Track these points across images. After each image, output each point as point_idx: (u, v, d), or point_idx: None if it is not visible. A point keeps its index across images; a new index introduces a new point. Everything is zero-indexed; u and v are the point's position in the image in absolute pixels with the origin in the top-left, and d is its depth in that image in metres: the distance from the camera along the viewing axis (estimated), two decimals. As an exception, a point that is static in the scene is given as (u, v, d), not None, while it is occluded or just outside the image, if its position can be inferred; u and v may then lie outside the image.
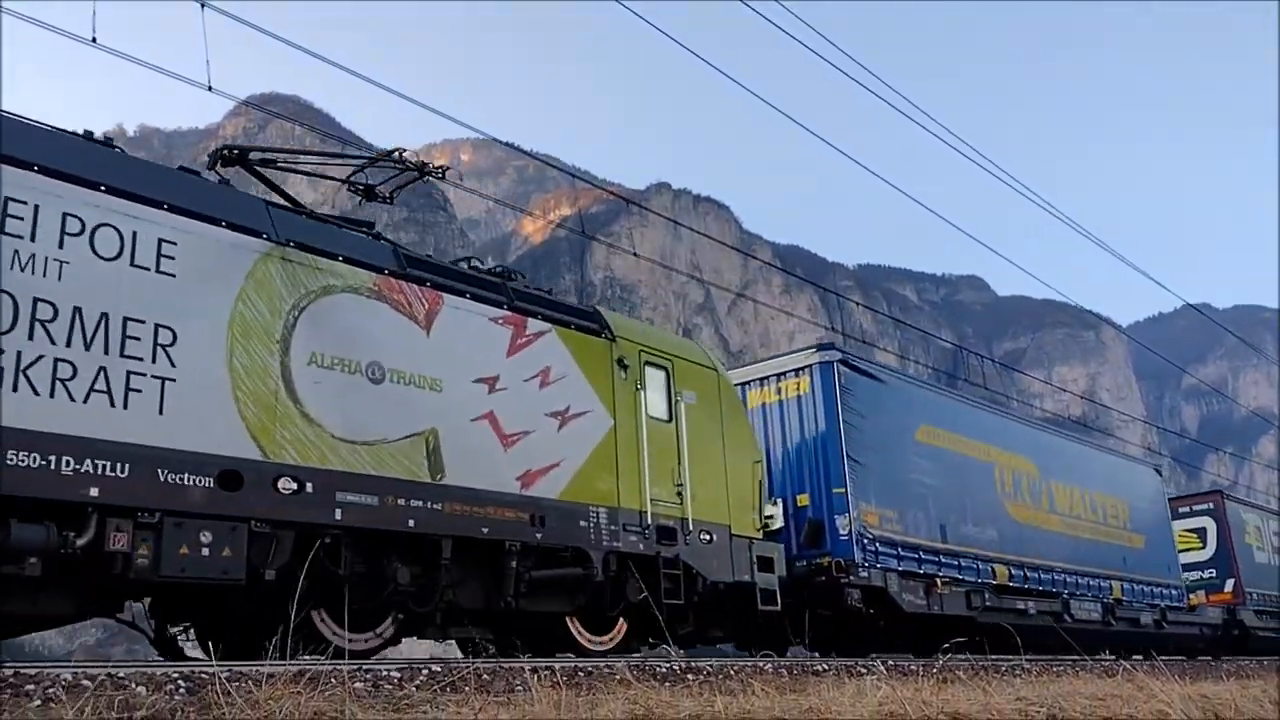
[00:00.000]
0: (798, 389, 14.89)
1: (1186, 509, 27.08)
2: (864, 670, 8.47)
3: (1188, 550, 26.13)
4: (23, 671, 4.85)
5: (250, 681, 5.02)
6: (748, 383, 15.61)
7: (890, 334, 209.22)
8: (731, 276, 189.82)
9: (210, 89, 9.84)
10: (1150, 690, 7.23)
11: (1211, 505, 27.12)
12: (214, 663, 4.87)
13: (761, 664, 8.77)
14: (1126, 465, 24.26)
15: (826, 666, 9.01)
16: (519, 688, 6.07)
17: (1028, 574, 17.49)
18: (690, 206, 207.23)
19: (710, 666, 8.02)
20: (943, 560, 15.53)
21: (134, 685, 4.85)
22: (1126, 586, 20.49)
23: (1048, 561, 18.04)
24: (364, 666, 6.11)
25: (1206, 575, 25.83)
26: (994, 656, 11.47)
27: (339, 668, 5.58)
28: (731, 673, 7.73)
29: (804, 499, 14.40)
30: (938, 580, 15.11)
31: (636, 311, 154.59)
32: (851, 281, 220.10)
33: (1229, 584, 25.64)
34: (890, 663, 9.89)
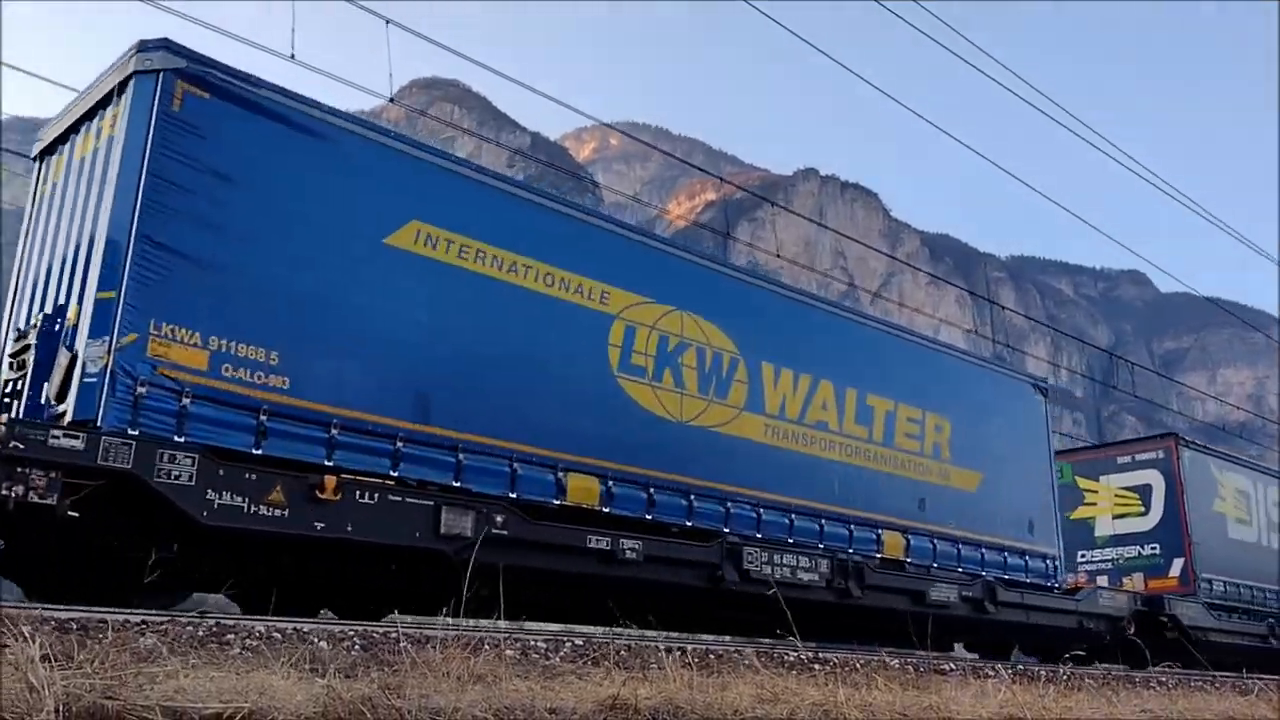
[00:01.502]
0: (111, 131, 8.68)
1: (1127, 458, 20.52)
2: (990, 672, 8.58)
3: (1124, 515, 20.10)
4: (224, 622, 5.52)
5: (412, 643, 5.58)
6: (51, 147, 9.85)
7: (1043, 328, 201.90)
8: (877, 265, 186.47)
9: (389, 22, 10.28)
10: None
11: (1160, 454, 19.94)
12: (396, 624, 5.43)
13: (887, 659, 8.96)
14: (964, 370, 16.29)
15: (953, 666, 9.14)
16: (653, 665, 6.47)
17: (656, 495, 11.05)
18: (837, 193, 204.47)
19: (835, 658, 8.28)
20: (410, 452, 9.27)
21: (316, 640, 5.46)
22: (917, 543, 13.80)
23: (709, 483, 11.64)
24: (513, 635, 6.63)
25: (1147, 552, 19.62)
26: (1109, 665, 11.30)
27: (494, 635, 6.10)
28: (856, 666, 7.96)
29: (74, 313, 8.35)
30: (344, 477, 8.65)
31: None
32: (1003, 273, 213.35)
33: (1176, 565, 19.14)
34: (1020, 667, 9.95)
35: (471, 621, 6.07)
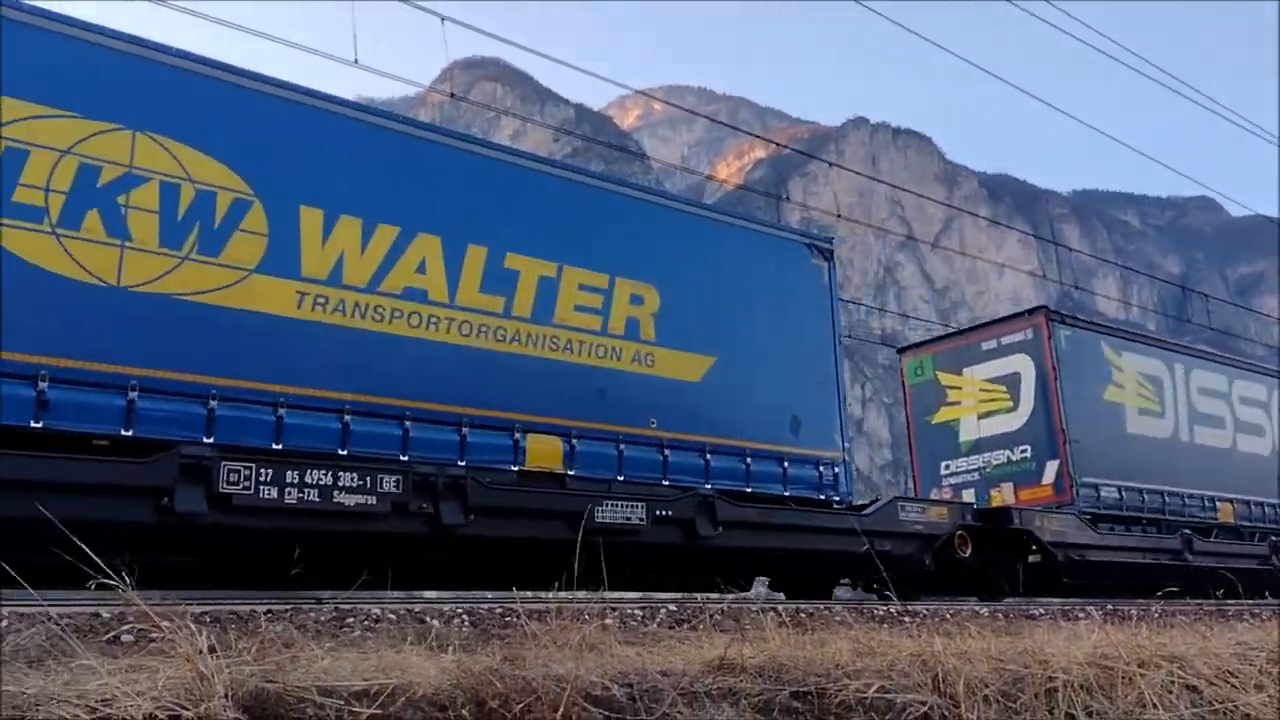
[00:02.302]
0: None
1: (992, 342, 16.81)
2: (1080, 615, 8.67)
3: (991, 413, 16.60)
4: (342, 606, 5.84)
5: (526, 616, 5.85)
6: None
7: (1110, 266, 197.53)
8: (935, 211, 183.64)
9: (444, 19, 10.48)
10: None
11: (1029, 333, 16.29)
12: (515, 595, 5.69)
13: (978, 608, 9.08)
14: (693, 227, 12.35)
15: (1043, 611, 9.23)
16: (749, 626, 6.68)
17: (49, 392, 7.62)
18: (889, 140, 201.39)
19: (925, 610, 8.42)
20: None
21: (429, 619, 5.75)
22: (587, 449, 10.41)
23: (167, 374, 8.19)
24: (611, 605, 6.88)
25: (1017, 457, 16.11)
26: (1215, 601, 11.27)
27: (590, 604, 6.35)
28: (947, 616, 8.10)
29: None
30: None
31: (835, 251, 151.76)
32: (1067, 209, 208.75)
33: (1049, 470, 15.65)
34: (1109, 607, 10.00)
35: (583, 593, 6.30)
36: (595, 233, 11.21)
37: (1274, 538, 18.07)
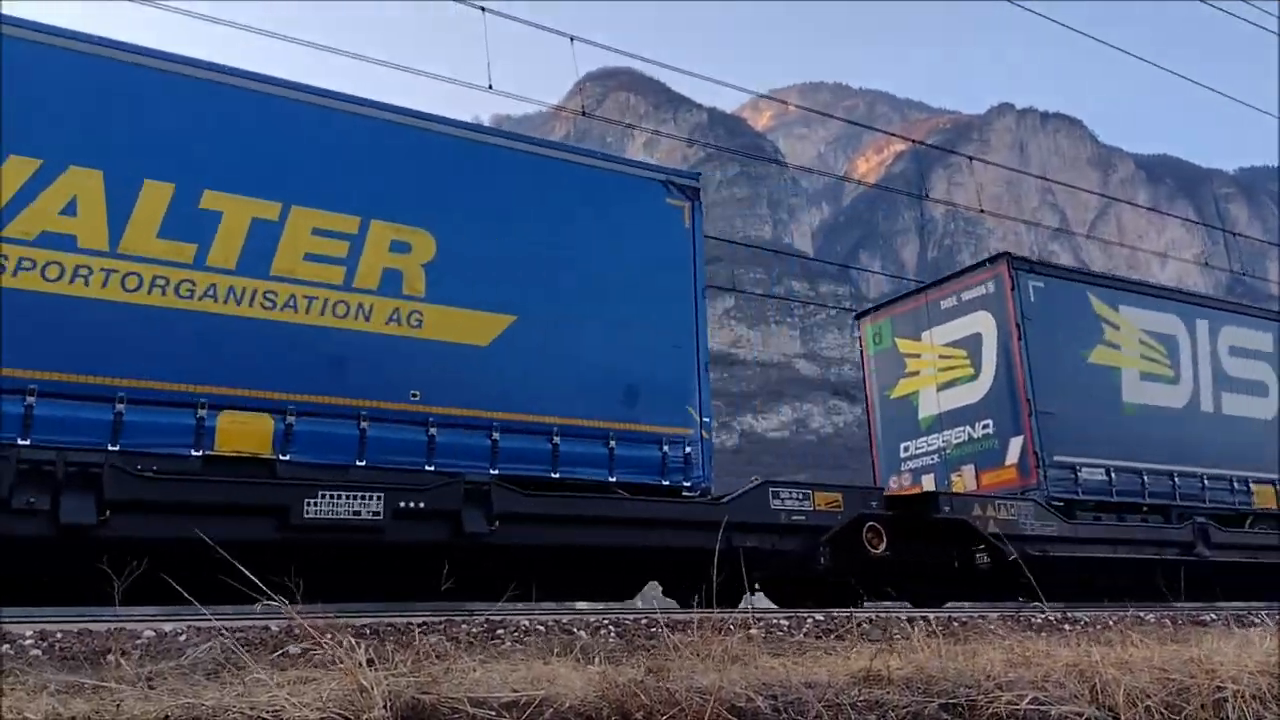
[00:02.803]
0: None
1: (952, 299, 14.14)
2: (1255, 621, 8.20)
3: (951, 383, 13.95)
4: (493, 618, 6.03)
5: (669, 628, 5.92)
6: None
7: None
8: (1089, 196, 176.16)
9: (574, 39, 10.71)
10: None
11: (990, 286, 13.59)
12: (656, 609, 5.77)
13: (1143, 614, 8.72)
14: (498, 159, 10.24)
15: (1215, 616, 8.78)
16: (897, 636, 6.58)
17: None
18: (1037, 125, 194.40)
19: (1086, 617, 8.12)
20: None
21: (576, 630, 5.88)
22: (310, 429, 8.52)
23: None
24: (758, 615, 6.89)
25: (979, 434, 13.43)
26: None
27: (736, 616, 6.38)
28: (1110, 624, 7.79)
29: None
30: None
31: (983, 244, 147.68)
32: (1233, 188, 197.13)
33: (1013, 448, 12.91)
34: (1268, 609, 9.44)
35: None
36: (344, 168, 9.27)
37: None
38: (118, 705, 3.23)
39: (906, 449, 14.59)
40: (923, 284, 15.33)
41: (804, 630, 6.66)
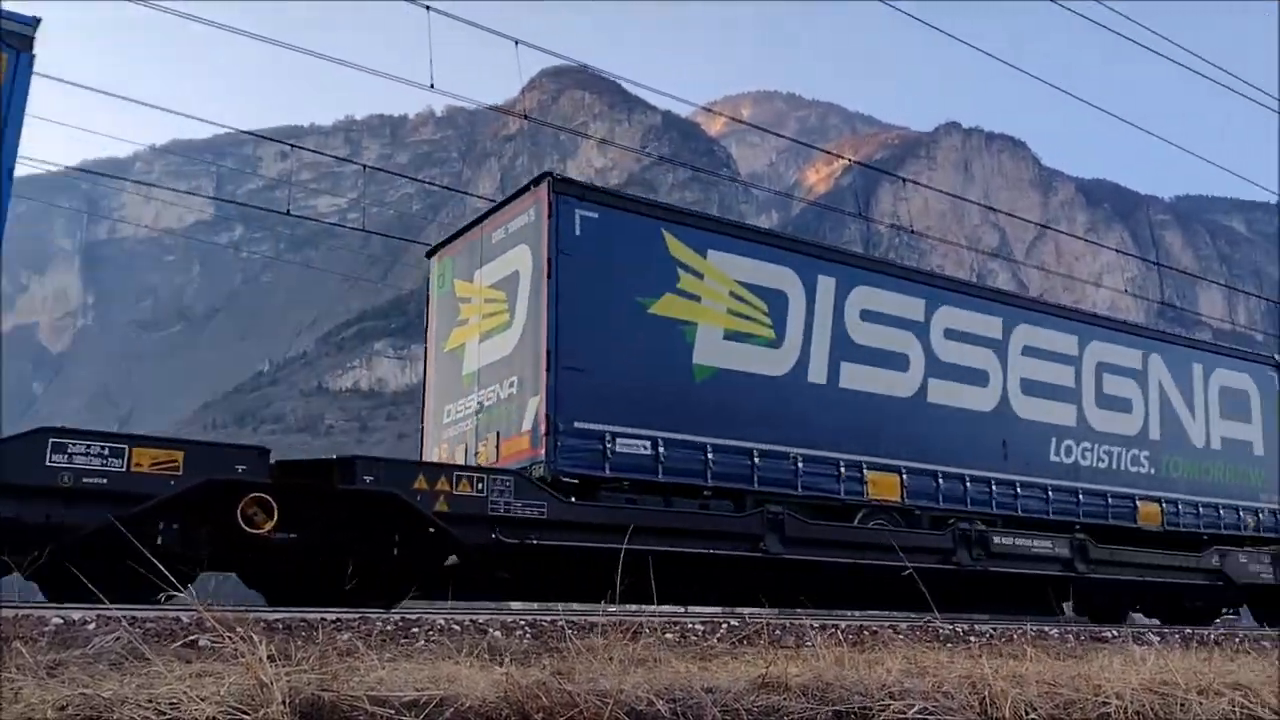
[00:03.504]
0: None
1: (500, 231, 11.97)
2: (1153, 638, 8.52)
3: (492, 334, 11.74)
4: (408, 616, 6.09)
5: (578, 629, 6.02)
6: None
7: (1215, 269, 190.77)
8: (1030, 217, 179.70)
9: (518, 43, 10.73)
10: None
11: (530, 217, 11.37)
12: (560, 612, 5.87)
13: (1047, 629, 9.00)
14: None
15: (1116, 634, 9.11)
16: (807, 643, 6.76)
17: None
18: (982, 145, 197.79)
19: (992, 630, 8.37)
20: None
21: (492, 630, 5.96)
22: None
23: None
24: (674, 620, 7.02)
25: (505, 393, 11.20)
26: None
27: (653, 620, 6.50)
28: (1013, 637, 8.05)
29: None
30: None
31: (926, 259, 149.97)
32: (1168, 215, 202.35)
33: (529, 411, 10.69)
34: (1170, 631, 9.81)
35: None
36: None
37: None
38: (16, 693, 3.26)
39: (449, 412, 12.28)
40: (483, 213, 12.71)
41: (717, 635, 6.80)
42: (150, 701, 3.10)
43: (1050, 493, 14.10)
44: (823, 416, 12.36)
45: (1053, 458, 14.31)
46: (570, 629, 5.29)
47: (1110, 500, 14.69)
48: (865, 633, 7.55)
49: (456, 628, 5.95)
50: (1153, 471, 15.37)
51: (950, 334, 13.74)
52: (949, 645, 7.22)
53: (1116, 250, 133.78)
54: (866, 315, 13.05)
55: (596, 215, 11.09)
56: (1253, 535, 16.02)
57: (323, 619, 5.48)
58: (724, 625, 7.11)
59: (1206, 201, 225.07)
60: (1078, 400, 14.85)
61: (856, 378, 12.77)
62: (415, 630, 5.82)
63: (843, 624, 7.78)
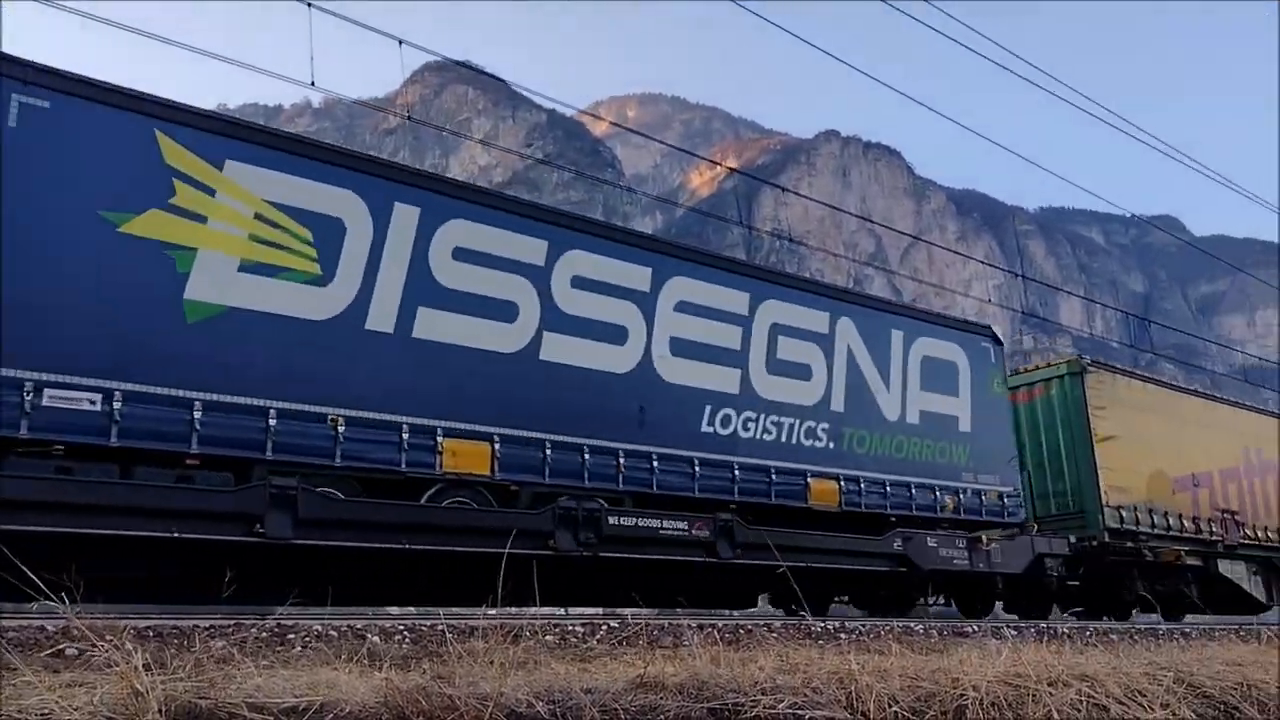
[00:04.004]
0: None
1: None
2: (1012, 633, 8.97)
3: None
4: (284, 622, 6.01)
5: (459, 633, 6.05)
6: None
7: (1075, 279, 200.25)
8: (904, 224, 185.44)
9: (402, 42, 10.49)
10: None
11: None
12: (441, 616, 5.89)
13: (913, 625, 9.37)
14: None
15: (977, 628, 9.54)
16: (685, 643, 6.92)
17: None
18: (860, 153, 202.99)
19: (862, 627, 8.69)
20: None
21: (370, 635, 5.94)
22: None
23: None
24: (553, 621, 7.10)
25: None
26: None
27: (533, 623, 6.57)
28: (881, 633, 8.38)
29: None
30: None
31: (805, 263, 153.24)
32: (1032, 225, 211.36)
33: None
34: (1025, 626, 10.32)
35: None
36: None
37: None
38: None
39: None
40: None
41: (597, 637, 6.90)
42: (20, 713, 3.04)
43: (698, 467, 12.07)
44: (385, 372, 10.18)
45: (705, 428, 12.33)
46: (451, 633, 5.32)
47: (775, 477, 12.71)
48: (741, 632, 7.77)
49: (334, 634, 5.92)
50: (832, 446, 13.46)
51: (580, 282, 11.70)
52: (820, 643, 7.49)
53: (981, 261, 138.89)
54: (463, 254, 10.85)
55: (48, 104, 8.82)
56: (951, 518, 14.54)
57: (196, 626, 5.38)
58: (604, 627, 7.22)
59: (1068, 213, 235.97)
60: (743, 364, 12.93)
61: (439, 327, 10.56)
62: (291, 637, 5.77)
63: (720, 623, 7.98)
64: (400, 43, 9.49)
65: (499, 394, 10.71)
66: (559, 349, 11.28)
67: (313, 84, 9.57)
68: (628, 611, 10.09)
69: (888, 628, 8.64)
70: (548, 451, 10.86)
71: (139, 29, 10.43)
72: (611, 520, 11.05)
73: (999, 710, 5.58)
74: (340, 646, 5.55)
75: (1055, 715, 5.73)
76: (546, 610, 9.21)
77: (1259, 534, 20.12)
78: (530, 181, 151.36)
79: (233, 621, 5.81)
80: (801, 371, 13.51)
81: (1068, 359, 18.46)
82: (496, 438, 10.52)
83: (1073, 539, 16.39)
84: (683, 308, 12.55)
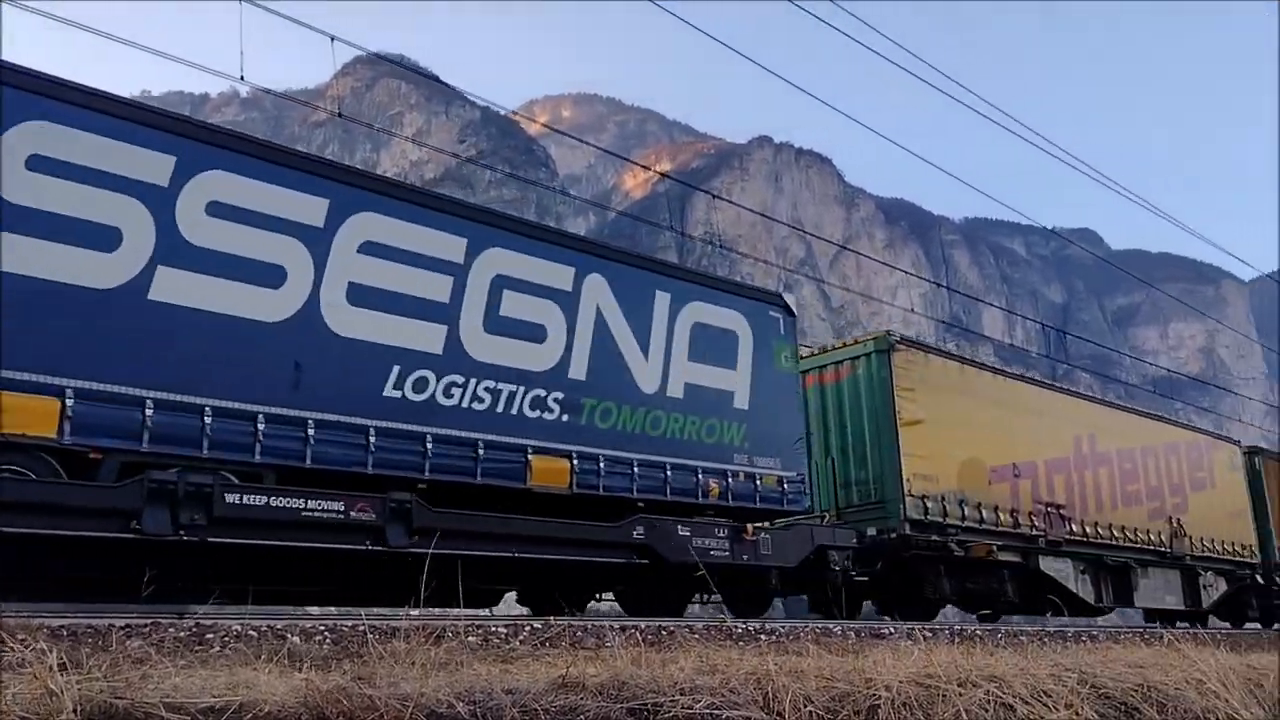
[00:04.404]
0: None
1: None
2: (926, 635, 9.21)
3: None
4: (203, 622, 5.96)
5: (381, 634, 6.04)
6: None
7: (997, 289, 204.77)
8: (834, 231, 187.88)
9: (333, 39, 10.27)
10: (1191, 659, 7.84)
11: None
12: (362, 617, 5.88)
13: (832, 627, 9.56)
14: None
15: (893, 630, 9.76)
16: (608, 644, 7.00)
17: None
18: (792, 160, 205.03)
19: (783, 628, 8.85)
20: None
21: (291, 636, 5.91)
22: None
23: None
24: (477, 622, 7.12)
25: None
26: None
27: (456, 624, 6.58)
28: (800, 635, 8.55)
29: None
30: None
31: (736, 268, 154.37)
32: (958, 235, 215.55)
33: None
34: (934, 627, 10.59)
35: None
36: None
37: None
38: None
39: None
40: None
41: (520, 638, 6.95)
42: (-73, 715, 3.00)
43: (374, 437, 10.08)
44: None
45: (391, 391, 10.37)
46: (373, 634, 5.33)
47: (485, 452, 10.84)
48: (664, 633, 7.87)
49: (254, 634, 5.88)
50: (566, 419, 11.60)
51: (220, 210, 9.61)
52: (741, 644, 7.63)
53: (905, 271, 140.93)
54: (46, 166, 8.71)
55: None
56: (717, 504, 12.68)
57: (112, 625, 5.31)
58: (527, 628, 7.26)
59: (991, 224, 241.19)
60: (452, 320, 11.01)
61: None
62: (210, 637, 5.71)
63: (643, 624, 8.07)
64: (332, 39, 9.42)
65: (78, 337, 8.62)
66: (179, 287, 9.18)
67: (242, 78, 9.45)
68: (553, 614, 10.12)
69: (806, 629, 8.81)
70: (148, 412, 8.76)
71: (53, 14, 10.16)
72: (229, 498, 8.89)
73: (910, 710, 5.76)
74: (260, 647, 5.52)
75: (964, 715, 5.92)
76: (471, 611, 9.11)
77: (1088, 530, 18.56)
78: (462, 179, 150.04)
79: (150, 621, 5.73)
80: (532, 332, 11.61)
81: (875, 334, 16.47)
82: (70, 391, 8.39)
83: (872, 531, 14.97)
84: (370, 249, 10.54)
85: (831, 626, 9.41)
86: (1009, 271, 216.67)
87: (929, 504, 15.31)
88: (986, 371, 18.54)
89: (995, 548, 16.36)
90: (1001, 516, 16.64)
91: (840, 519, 15.29)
